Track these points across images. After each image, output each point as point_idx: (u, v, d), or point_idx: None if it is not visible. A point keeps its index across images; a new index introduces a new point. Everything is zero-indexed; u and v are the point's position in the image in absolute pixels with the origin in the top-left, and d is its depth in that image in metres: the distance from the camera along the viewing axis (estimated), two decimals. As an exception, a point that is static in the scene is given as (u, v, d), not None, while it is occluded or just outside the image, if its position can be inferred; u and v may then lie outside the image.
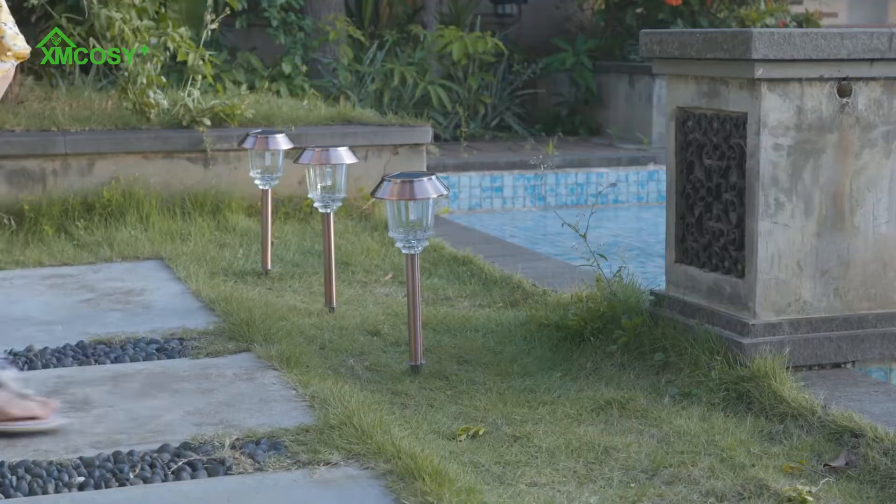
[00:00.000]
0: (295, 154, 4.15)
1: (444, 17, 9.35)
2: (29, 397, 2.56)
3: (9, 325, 3.45)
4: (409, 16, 9.26)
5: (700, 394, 2.78)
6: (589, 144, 8.66)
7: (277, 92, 7.46)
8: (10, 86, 2.60)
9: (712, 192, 3.05)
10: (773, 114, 2.87)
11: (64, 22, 5.64)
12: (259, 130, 4.21)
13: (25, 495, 2.21)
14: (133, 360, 3.12)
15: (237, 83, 7.35)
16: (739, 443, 2.49)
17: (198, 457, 2.37)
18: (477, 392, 2.87)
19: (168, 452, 2.39)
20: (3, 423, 2.51)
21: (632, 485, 2.31)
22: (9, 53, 2.56)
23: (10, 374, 2.58)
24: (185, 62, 5.78)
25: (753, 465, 2.38)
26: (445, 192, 3.02)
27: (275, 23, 7.98)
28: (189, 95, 5.49)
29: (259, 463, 2.35)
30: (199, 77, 5.69)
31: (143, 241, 4.59)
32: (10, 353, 3.11)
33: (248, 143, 4.16)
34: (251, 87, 7.44)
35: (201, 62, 5.66)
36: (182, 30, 5.59)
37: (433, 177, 3.02)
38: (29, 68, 6.28)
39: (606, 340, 3.13)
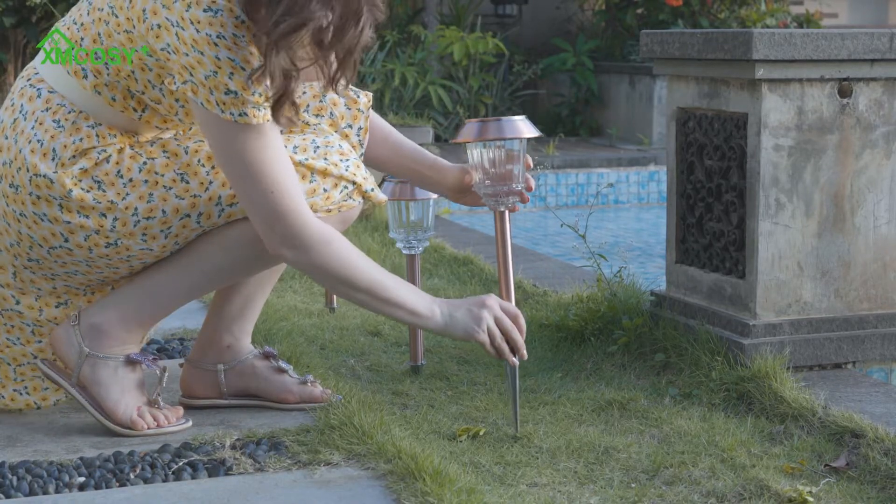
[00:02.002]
0: (295, 154, 4.14)
1: (444, 17, 9.36)
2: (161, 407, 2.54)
3: (9, 326, 3.44)
4: (409, 16, 9.26)
5: (700, 394, 2.78)
6: (589, 145, 8.67)
7: (278, 92, 7.44)
8: None
9: (713, 192, 3.05)
10: (774, 114, 2.87)
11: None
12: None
13: (26, 495, 2.21)
14: (134, 360, 3.11)
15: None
16: (740, 443, 2.49)
17: (198, 457, 2.37)
18: (477, 392, 2.87)
19: (168, 453, 2.39)
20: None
21: (632, 485, 2.31)
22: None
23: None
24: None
25: (754, 466, 2.38)
26: (446, 193, 3.01)
27: (276, 23, 7.98)
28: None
29: (259, 463, 2.35)
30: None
31: (144, 242, 4.59)
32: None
33: (248, 144, 4.14)
34: (252, 88, 7.43)
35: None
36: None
37: (434, 177, 3.01)
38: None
39: (607, 341, 3.13)
